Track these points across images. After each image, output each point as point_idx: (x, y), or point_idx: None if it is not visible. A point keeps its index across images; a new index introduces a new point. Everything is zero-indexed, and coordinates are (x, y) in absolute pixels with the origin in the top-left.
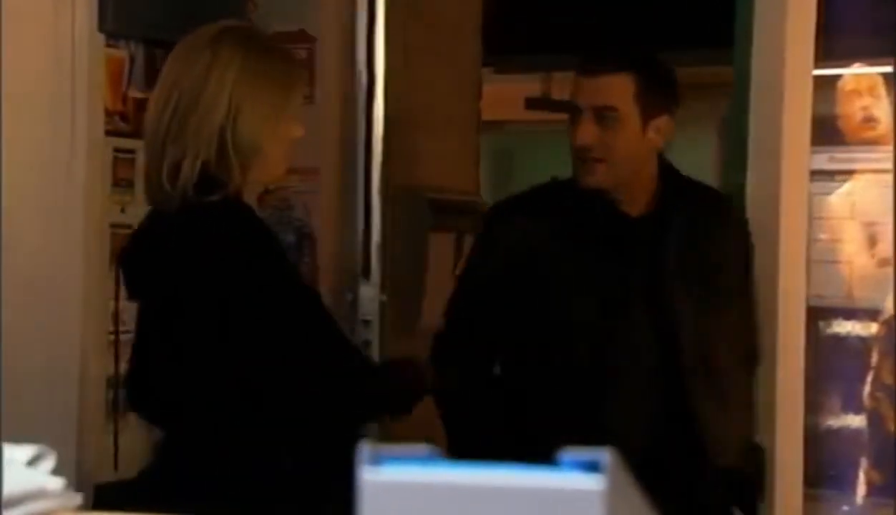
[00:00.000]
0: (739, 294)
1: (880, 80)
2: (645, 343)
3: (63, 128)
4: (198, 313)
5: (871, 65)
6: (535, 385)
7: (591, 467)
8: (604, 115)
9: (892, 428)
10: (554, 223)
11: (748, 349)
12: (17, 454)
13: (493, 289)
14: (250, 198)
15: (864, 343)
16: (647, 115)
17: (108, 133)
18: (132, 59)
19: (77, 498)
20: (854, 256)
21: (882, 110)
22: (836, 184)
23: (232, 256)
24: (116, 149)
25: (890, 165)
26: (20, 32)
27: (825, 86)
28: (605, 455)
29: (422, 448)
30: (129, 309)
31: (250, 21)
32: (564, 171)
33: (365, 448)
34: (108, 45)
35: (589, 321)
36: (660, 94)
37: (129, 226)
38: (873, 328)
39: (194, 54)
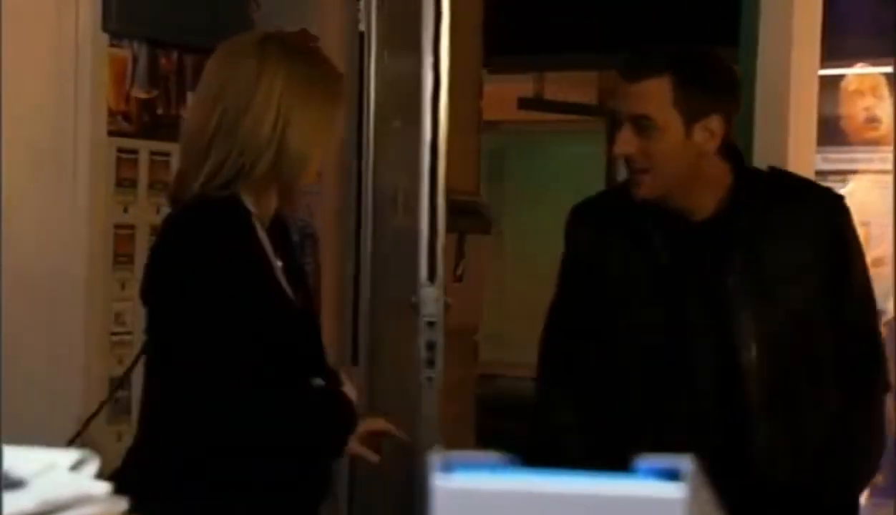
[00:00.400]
0: (827, 306)
1: (883, 81)
2: (706, 365)
3: (67, 128)
4: (163, 311)
5: (874, 65)
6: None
7: (671, 475)
8: (641, 125)
9: (894, 430)
10: (622, 235)
11: (863, 374)
12: (61, 459)
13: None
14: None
15: None
16: (691, 119)
17: (111, 133)
18: (135, 59)
19: (122, 503)
20: None
21: (884, 111)
22: (838, 185)
23: (198, 259)
24: (119, 149)
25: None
26: (23, 32)
27: (828, 87)
28: (684, 462)
29: (493, 455)
30: (131, 311)
31: (252, 21)
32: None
33: (436, 455)
34: (112, 45)
35: (654, 337)
36: (704, 95)
37: (131, 227)
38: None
39: (240, 60)
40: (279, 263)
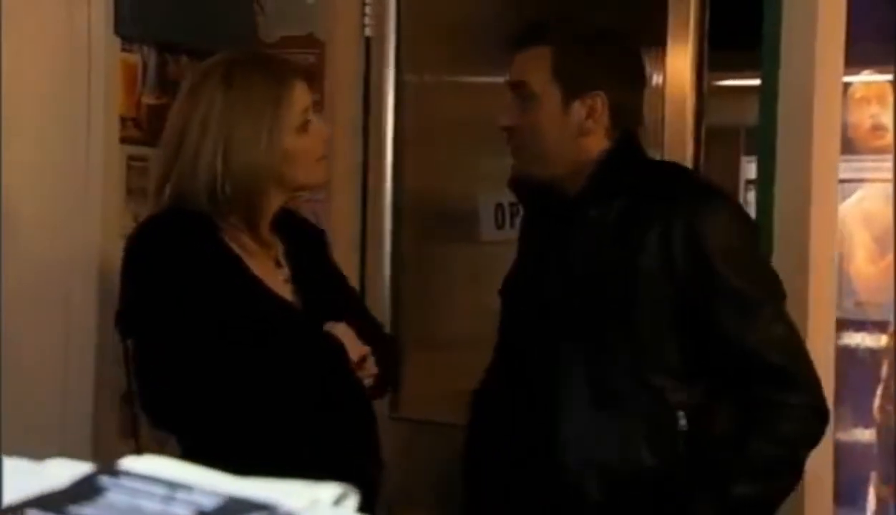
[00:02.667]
0: (674, 310)
1: (889, 88)
2: (539, 348)
3: (79, 135)
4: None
5: (880, 72)
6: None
7: None
8: (519, 94)
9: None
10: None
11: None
12: (322, 494)
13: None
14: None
15: (874, 355)
16: (571, 93)
17: (122, 140)
18: (145, 64)
19: None
20: (864, 267)
21: (890, 118)
22: (846, 194)
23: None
24: (130, 157)
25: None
26: (34, 35)
27: None
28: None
29: None
30: None
31: (256, 25)
32: None
33: None
34: (123, 49)
35: (515, 317)
36: (587, 69)
37: None
38: (883, 340)
39: (184, 91)
40: (284, 270)
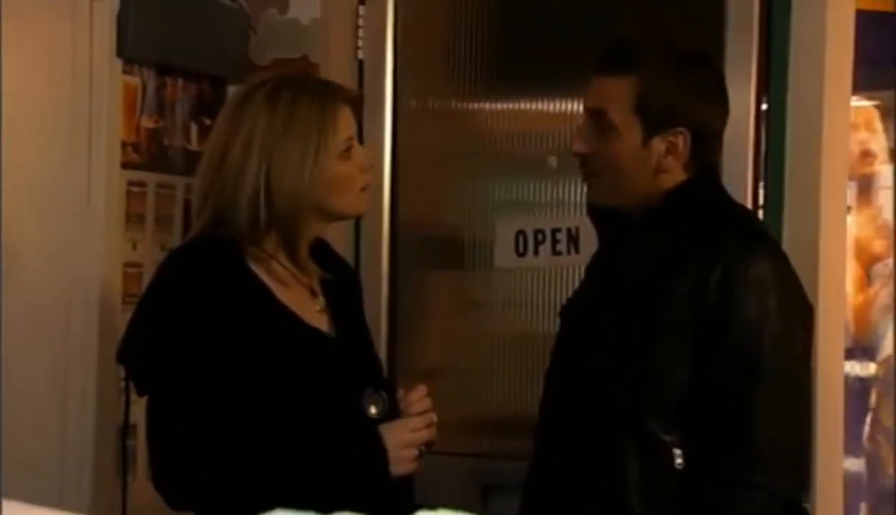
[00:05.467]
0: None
1: (876, 114)
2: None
3: (80, 159)
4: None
5: (868, 98)
6: None
7: None
8: (598, 122)
9: (892, 472)
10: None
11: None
12: None
13: None
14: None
15: (863, 383)
16: (652, 129)
17: (122, 165)
18: (144, 87)
19: None
20: (852, 295)
21: (878, 144)
22: None
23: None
24: (129, 182)
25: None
26: (36, 56)
27: None
28: None
29: None
30: None
31: (246, 47)
32: None
33: None
34: (123, 72)
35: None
36: (670, 106)
37: (139, 265)
38: (872, 368)
39: (226, 111)
40: (320, 299)
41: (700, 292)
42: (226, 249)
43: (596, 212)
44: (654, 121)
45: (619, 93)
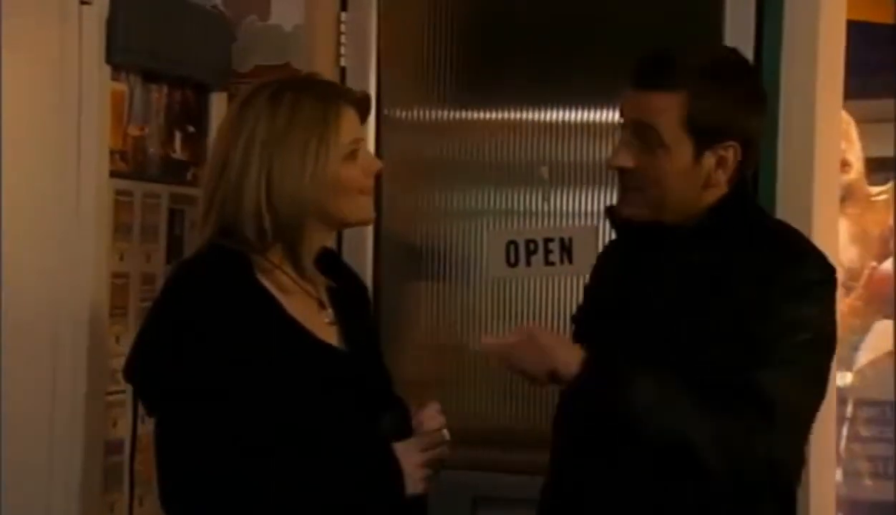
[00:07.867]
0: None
1: (853, 124)
2: None
3: (69, 168)
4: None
5: (844, 108)
6: None
7: None
8: (645, 137)
9: (868, 482)
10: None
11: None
12: None
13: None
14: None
15: (840, 393)
16: (703, 144)
17: (110, 174)
18: (131, 93)
19: None
20: None
21: (854, 154)
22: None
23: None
24: (117, 192)
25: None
26: (23, 62)
27: None
28: None
29: None
30: None
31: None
32: None
33: None
34: (111, 78)
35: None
36: (721, 119)
37: (126, 275)
38: (848, 377)
39: (227, 116)
40: (328, 311)
41: (746, 309)
42: (234, 261)
43: (632, 226)
44: (705, 136)
45: (666, 109)
